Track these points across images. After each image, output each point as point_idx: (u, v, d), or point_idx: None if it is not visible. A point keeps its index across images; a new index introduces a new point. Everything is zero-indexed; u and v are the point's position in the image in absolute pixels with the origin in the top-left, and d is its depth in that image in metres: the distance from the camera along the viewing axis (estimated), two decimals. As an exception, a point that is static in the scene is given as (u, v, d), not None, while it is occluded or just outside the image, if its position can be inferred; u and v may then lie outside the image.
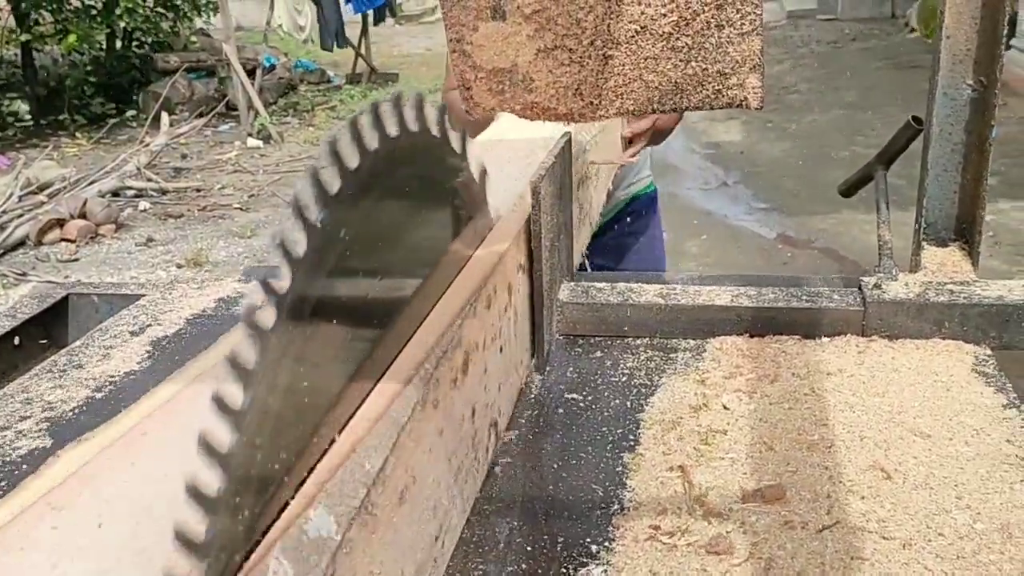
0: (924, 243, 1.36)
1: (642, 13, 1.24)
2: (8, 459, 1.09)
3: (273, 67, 11.27)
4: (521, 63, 1.28)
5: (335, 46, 11.11)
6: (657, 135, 1.97)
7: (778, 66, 10.64)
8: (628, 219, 2.26)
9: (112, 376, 1.28)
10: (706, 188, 6.81)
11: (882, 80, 9.71)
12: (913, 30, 11.85)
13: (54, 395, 1.24)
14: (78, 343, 1.40)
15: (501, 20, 1.28)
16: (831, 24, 13.59)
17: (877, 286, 1.28)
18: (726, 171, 7.12)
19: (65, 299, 1.56)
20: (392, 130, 0.78)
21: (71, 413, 1.19)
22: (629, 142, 1.94)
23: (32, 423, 1.17)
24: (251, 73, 9.36)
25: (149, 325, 1.44)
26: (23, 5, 9.44)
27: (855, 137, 7.63)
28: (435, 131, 0.91)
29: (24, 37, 9.66)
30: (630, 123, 1.89)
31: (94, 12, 10.04)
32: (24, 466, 1.07)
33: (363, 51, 11.46)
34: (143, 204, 6.92)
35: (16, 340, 1.48)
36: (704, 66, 1.24)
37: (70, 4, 9.96)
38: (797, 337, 1.30)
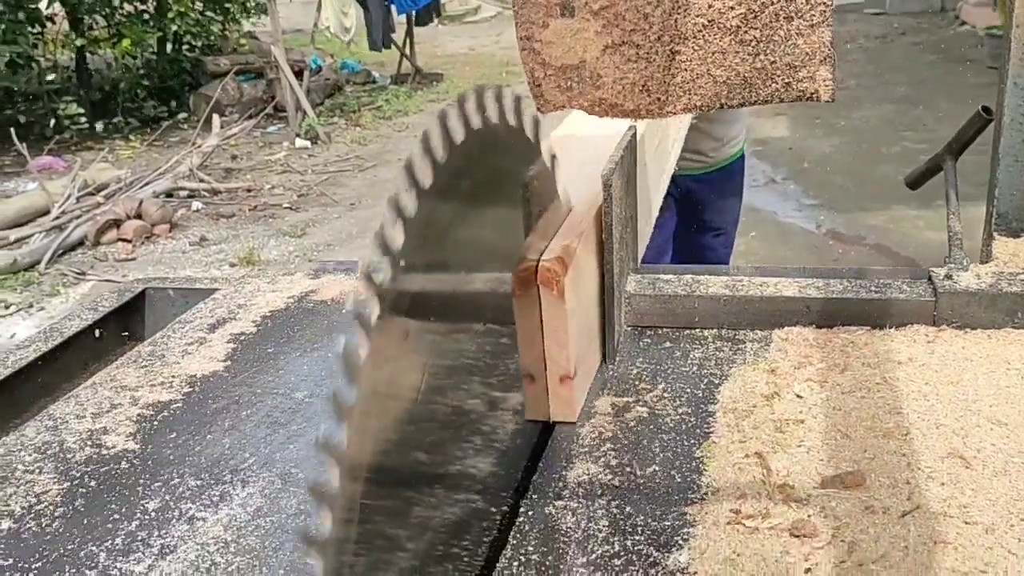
0: (995, 234, 1.35)
1: (710, 7, 1.24)
2: (99, 456, 1.13)
3: (320, 68, 11.39)
4: (589, 59, 1.30)
5: (381, 47, 11.20)
6: None
7: (825, 61, 10.48)
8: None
9: (195, 375, 1.32)
10: (754, 185, 6.75)
11: (933, 75, 9.55)
12: (964, 23, 11.64)
13: (141, 393, 1.28)
14: (159, 334, 1.45)
15: (570, 17, 1.30)
16: (879, 18, 13.37)
17: (948, 276, 1.28)
18: (774, 167, 7.05)
19: (142, 293, 1.61)
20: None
21: (159, 417, 1.23)
22: None
23: (120, 419, 1.21)
24: (299, 75, 9.48)
25: (226, 320, 1.48)
26: (78, 11, 9.65)
27: (906, 132, 7.51)
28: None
29: (79, 42, 9.86)
30: None
31: (146, 16, 10.23)
32: (119, 464, 1.11)
33: (408, 52, 11.53)
34: (196, 204, 7.04)
35: (97, 332, 1.53)
36: (773, 59, 1.24)
37: (123, 9, 10.16)
38: (865, 328, 1.30)
